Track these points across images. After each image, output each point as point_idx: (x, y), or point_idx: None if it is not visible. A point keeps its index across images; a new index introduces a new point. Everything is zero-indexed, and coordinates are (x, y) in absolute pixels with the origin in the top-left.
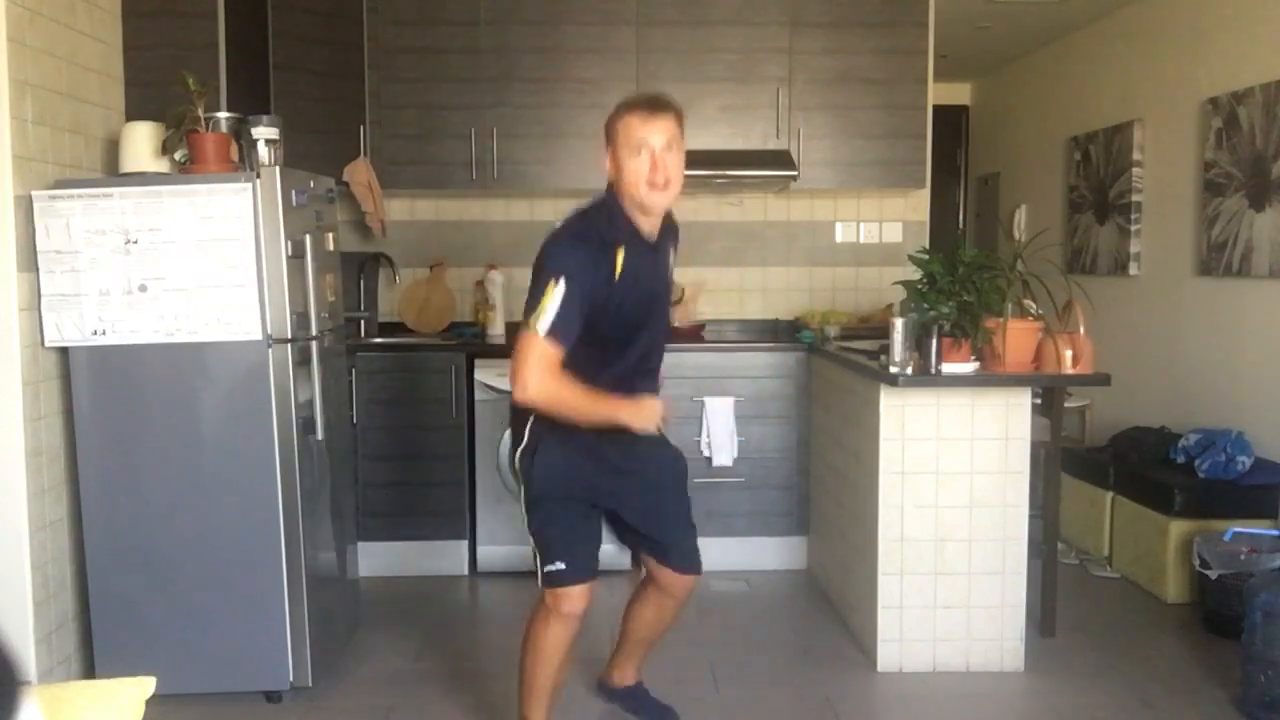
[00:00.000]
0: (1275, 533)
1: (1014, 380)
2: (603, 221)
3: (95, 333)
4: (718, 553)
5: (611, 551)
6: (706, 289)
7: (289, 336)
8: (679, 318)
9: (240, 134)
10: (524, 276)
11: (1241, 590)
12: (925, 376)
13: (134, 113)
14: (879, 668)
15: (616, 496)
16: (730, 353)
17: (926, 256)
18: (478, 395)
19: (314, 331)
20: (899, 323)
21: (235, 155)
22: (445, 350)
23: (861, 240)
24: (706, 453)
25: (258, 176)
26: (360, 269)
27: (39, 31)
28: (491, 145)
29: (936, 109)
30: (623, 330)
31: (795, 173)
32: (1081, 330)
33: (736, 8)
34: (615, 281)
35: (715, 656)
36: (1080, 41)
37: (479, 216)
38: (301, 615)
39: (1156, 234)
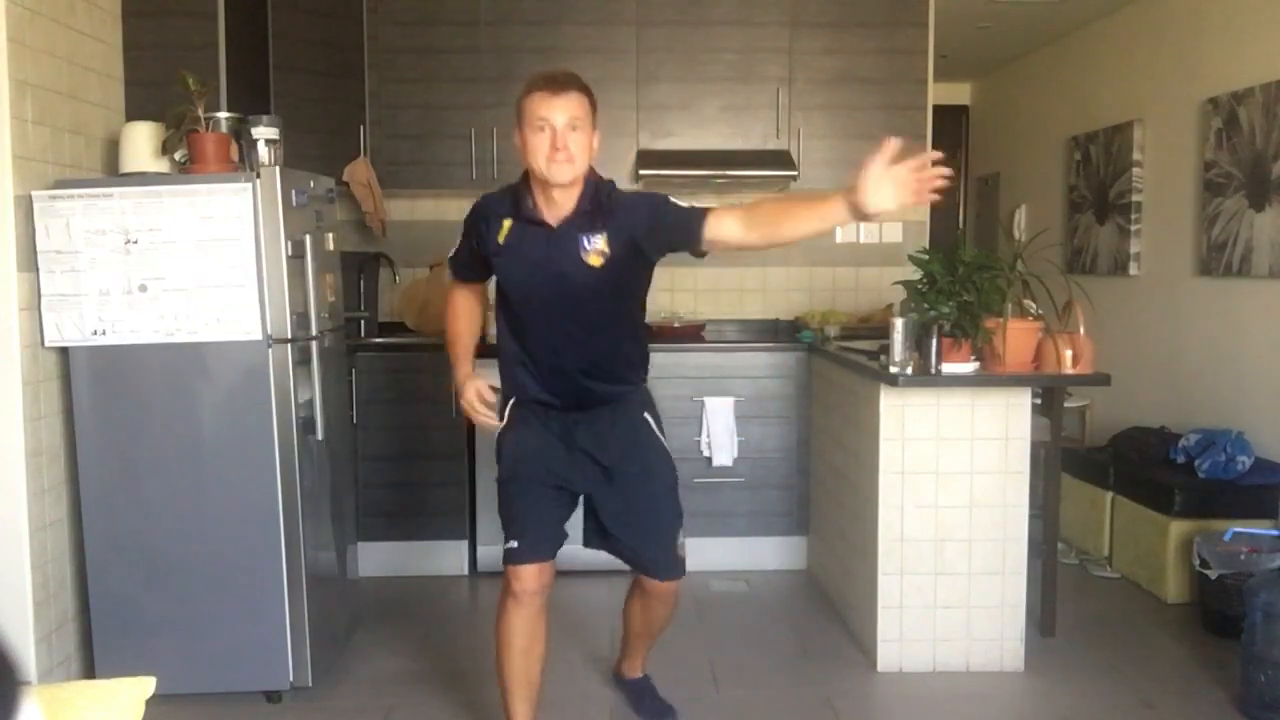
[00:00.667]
0: (1275, 533)
1: (1014, 380)
2: (505, 196)
3: (95, 333)
4: (718, 553)
5: (582, 553)
6: (707, 289)
7: (289, 336)
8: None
9: (240, 134)
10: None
11: (1241, 590)
12: (925, 376)
13: (134, 113)
14: (879, 668)
15: (589, 485)
16: (730, 353)
17: (926, 256)
18: None
19: (314, 331)
20: (899, 323)
21: (235, 155)
22: (445, 350)
23: (861, 240)
24: (706, 453)
25: (258, 176)
26: (360, 269)
27: (39, 31)
28: (491, 145)
29: (936, 109)
30: (520, 304)
31: (795, 173)
32: (1081, 330)
33: (736, 8)
34: (501, 250)
35: (715, 656)
36: (1080, 41)
37: None
38: (301, 615)
39: (1156, 234)
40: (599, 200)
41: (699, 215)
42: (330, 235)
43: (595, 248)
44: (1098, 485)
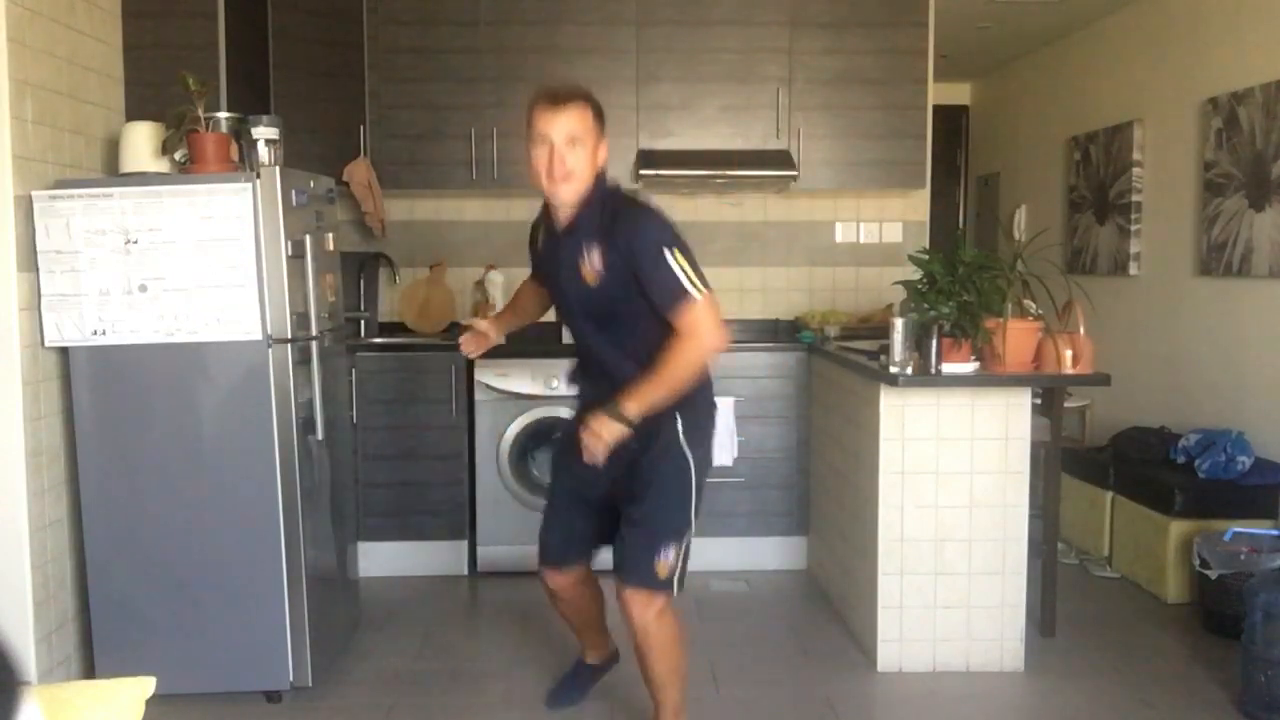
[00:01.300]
0: (1275, 533)
1: (1014, 380)
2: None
3: (95, 333)
4: (718, 553)
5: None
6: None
7: (289, 336)
8: None
9: (240, 134)
10: (523, 276)
11: (1241, 590)
12: (925, 376)
13: (134, 113)
14: (879, 668)
15: (612, 484)
16: (730, 353)
17: (926, 256)
18: (478, 395)
19: (314, 331)
20: (899, 323)
21: (235, 155)
22: (445, 350)
23: (861, 240)
24: None
25: (258, 176)
26: (360, 269)
27: (39, 31)
28: (491, 145)
29: (936, 109)
30: (557, 308)
31: (795, 173)
32: (1081, 330)
33: (736, 8)
34: (538, 254)
35: (715, 656)
36: (1080, 41)
37: (479, 216)
38: (301, 615)
39: (1156, 234)
40: (604, 216)
41: (677, 298)
42: (330, 235)
43: (592, 265)
44: (1098, 485)
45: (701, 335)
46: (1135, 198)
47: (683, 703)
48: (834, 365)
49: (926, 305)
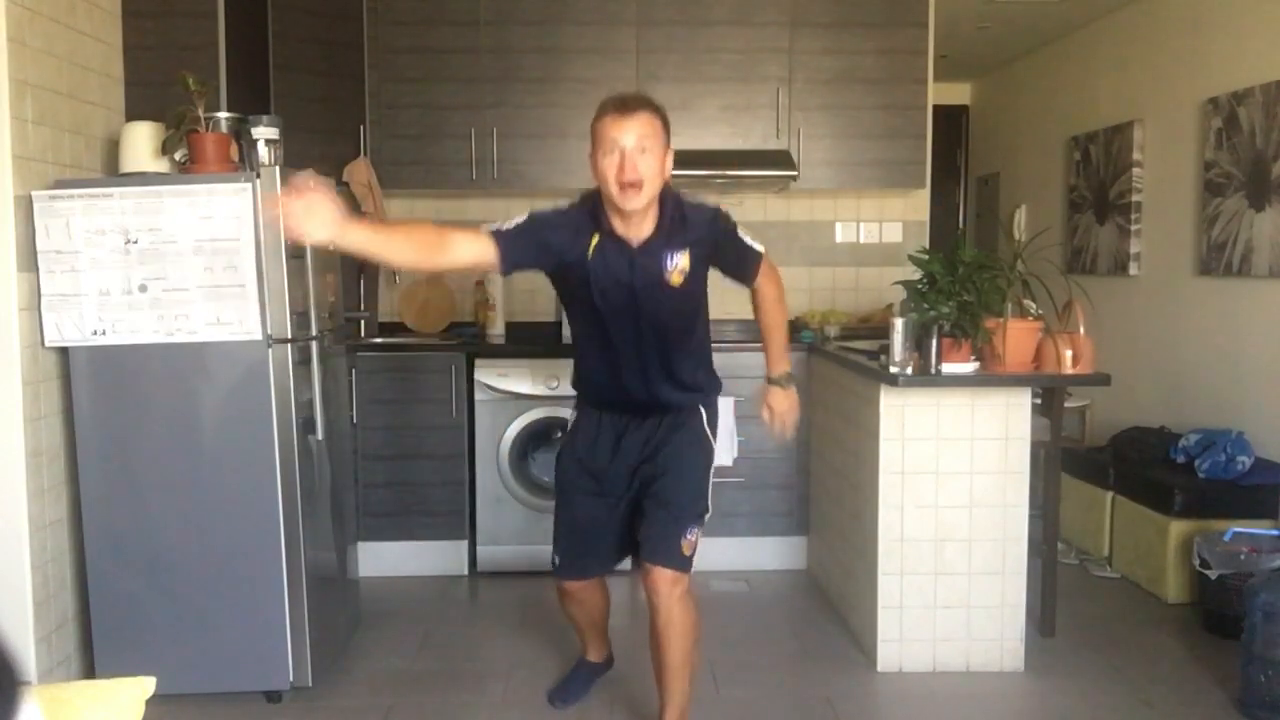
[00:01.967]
0: (1275, 533)
1: (1014, 380)
2: (590, 206)
3: (95, 333)
4: (718, 553)
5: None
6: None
7: (289, 336)
8: None
9: (240, 134)
10: (523, 277)
11: (1241, 590)
12: (925, 376)
13: (134, 113)
14: (879, 668)
15: (639, 469)
16: (730, 353)
17: (926, 256)
18: (478, 395)
19: (314, 331)
20: (899, 323)
21: (235, 155)
22: (445, 350)
23: (861, 240)
24: None
25: (258, 176)
26: (360, 269)
27: (39, 31)
28: (491, 145)
29: (936, 109)
30: (601, 316)
31: (795, 173)
32: (1081, 330)
33: (736, 8)
34: (587, 262)
35: (715, 656)
36: (1080, 41)
37: (479, 216)
38: (301, 615)
39: (1156, 234)
40: (676, 218)
41: (755, 258)
42: None
43: (678, 266)
44: (1098, 485)
45: (778, 275)
46: (1135, 198)
47: (689, 695)
48: (834, 365)
49: (926, 305)
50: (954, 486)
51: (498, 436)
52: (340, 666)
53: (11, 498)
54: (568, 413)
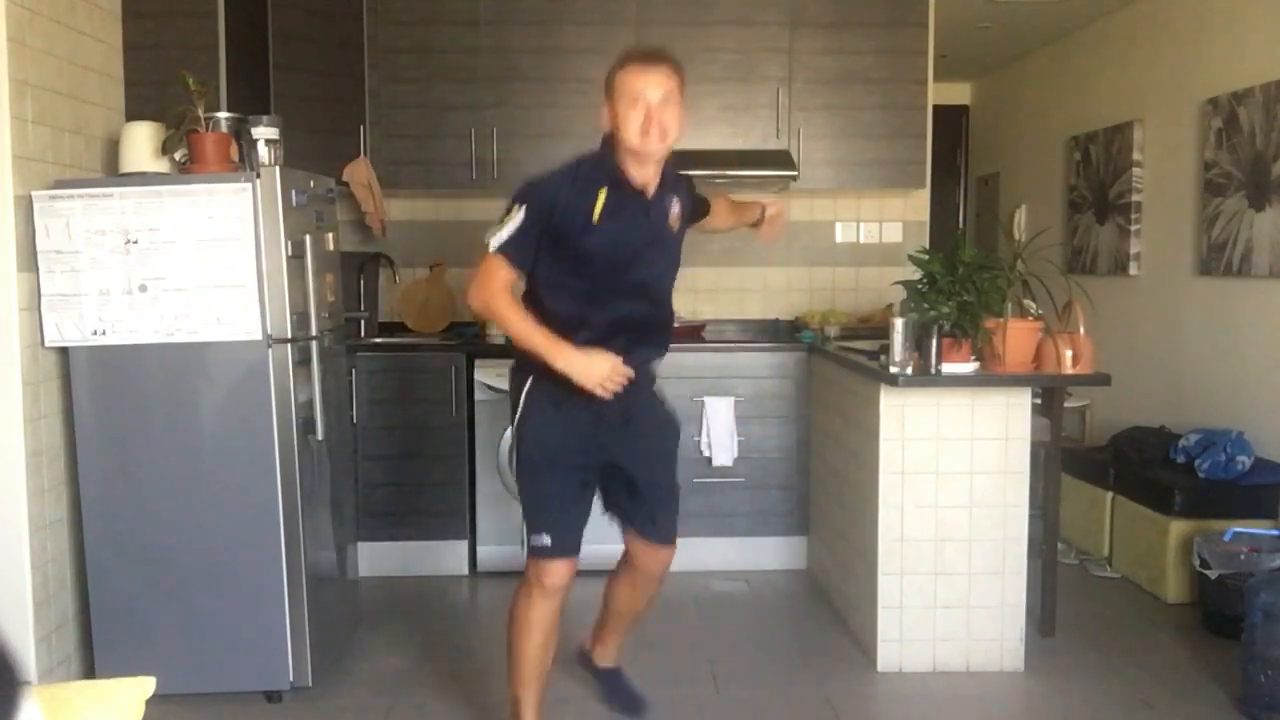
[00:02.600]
0: (1275, 533)
1: (1014, 380)
2: (589, 166)
3: (95, 333)
4: (718, 553)
5: (596, 552)
6: (707, 289)
7: (289, 336)
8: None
9: (240, 134)
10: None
11: (1241, 590)
12: (925, 376)
13: (134, 113)
14: (879, 668)
15: (616, 448)
16: (730, 353)
17: (926, 256)
18: (478, 395)
19: (314, 331)
20: (899, 323)
21: (235, 155)
22: (445, 350)
23: (861, 240)
24: (706, 453)
25: (258, 176)
26: (360, 269)
27: (39, 31)
28: (491, 145)
29: (936, 109)
30: (607, 275)
31: (795, 173)
32: (1081, 330)
33: (736, 8)
34: (596, 223)
35: (715, 656)
36: (1080, 41)
37: (479, 216)
38: (301, 615)
39: (1156, 234)
40: (670, 169)
41: (704, 198)
42: (330, 235)
43: (674, 212)
44: (1098, 485)
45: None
46: (1135, 198)
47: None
48: (834, 365)
49: (926, 305)
50: (954, 486)
51: (498, 436)
52: (340, 666)
53: (11, 498)
54: None
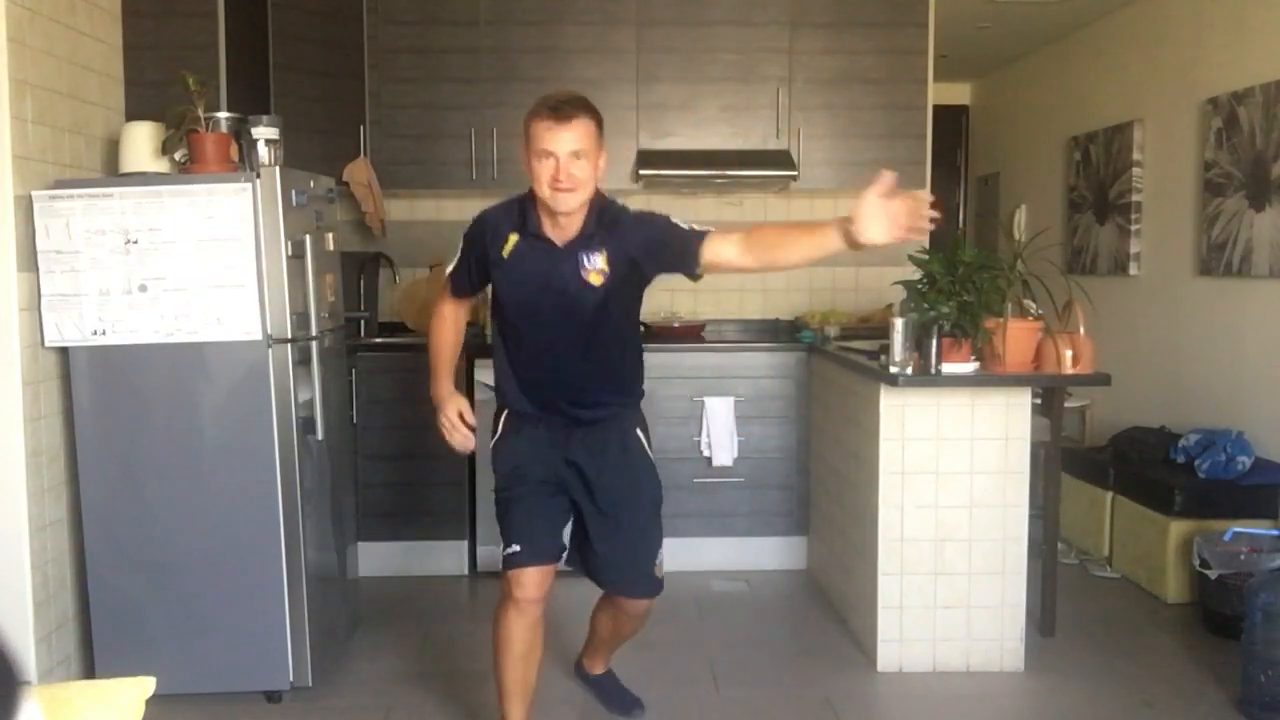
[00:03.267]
0: (1275, 533)
1: (1014, 380)
2: (511, 209)
3: (95, 333)
4: (718, 553)
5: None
6: (707, 289)
7: (289, 336)
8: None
9: (240, 134)
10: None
11: (1241, 590)
12: (925, 376)
13: (134, 113)
14: (879, 668)
15: (579, 494)
16: (730, 353)
17: (926, 256)
18: (478, 395)
19: (314, 331)
20: (899, 323)
21: (235, 155)
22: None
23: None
24: (706, 453)
25: (258, 176)
26: (360, 269)
27: (39, 31)
28: (491, 145)
29: (936, 109)
30: (518, 319)
31: (795, 173)
32: (1081, 330)
33: (736, 8)
34: (503, 264)
35: (715, 656)
36: (1080, 41)
37: None
38: (301, 615)
39: (1156, 234)
40: (602, 220)
41: (698, 238)
42: (330, 235)
43: (595, 266)
44: (1098, 485)
45: (736, 232)
46: (1135, 198)
47: None
48: (834, 365)
49: (926, 305)
50: (954, 486)
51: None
52: (340, 666)
53: (11, 498)
54: None
